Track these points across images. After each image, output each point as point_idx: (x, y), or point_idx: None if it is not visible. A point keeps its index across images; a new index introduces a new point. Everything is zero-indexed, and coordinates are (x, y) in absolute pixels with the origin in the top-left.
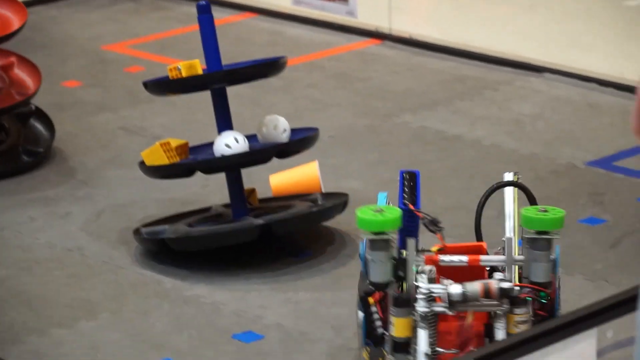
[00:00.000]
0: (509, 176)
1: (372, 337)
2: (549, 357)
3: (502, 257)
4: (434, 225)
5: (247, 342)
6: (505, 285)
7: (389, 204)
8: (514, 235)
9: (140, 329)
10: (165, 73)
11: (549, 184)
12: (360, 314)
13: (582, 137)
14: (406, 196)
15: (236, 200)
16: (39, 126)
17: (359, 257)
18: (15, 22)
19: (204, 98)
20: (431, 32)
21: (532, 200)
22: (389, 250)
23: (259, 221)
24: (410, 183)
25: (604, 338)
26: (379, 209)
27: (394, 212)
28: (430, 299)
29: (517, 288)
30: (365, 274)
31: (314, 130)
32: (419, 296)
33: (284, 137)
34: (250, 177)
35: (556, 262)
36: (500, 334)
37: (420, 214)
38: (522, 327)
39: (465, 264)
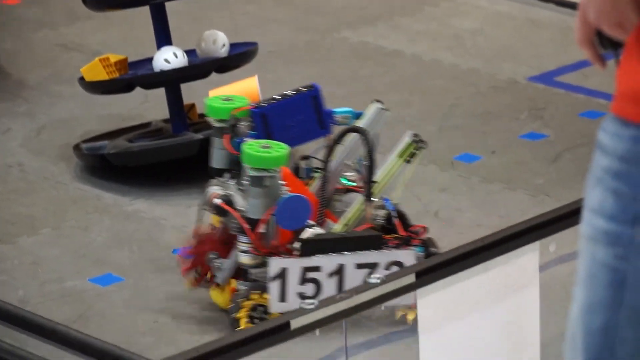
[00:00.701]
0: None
1: None
2: (491, 270)
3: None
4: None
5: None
6: (216, 201)
7: None
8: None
9: (81, 244)
10: None
11: (489, 99)
12: None
13: (522, 53)
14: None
15: (176, 116)
16: None
17: None
18: None
19: (143, 14)
20: None
21: (371, 156)
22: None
23: (199, 136)
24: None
25: (547, 252)
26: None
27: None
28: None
29: (223, 211)
30: None
31: (253, 44)
32: None
33: (223, 51)
34: (190, 92)
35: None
36: (232, 253)
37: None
38: (243, 257)
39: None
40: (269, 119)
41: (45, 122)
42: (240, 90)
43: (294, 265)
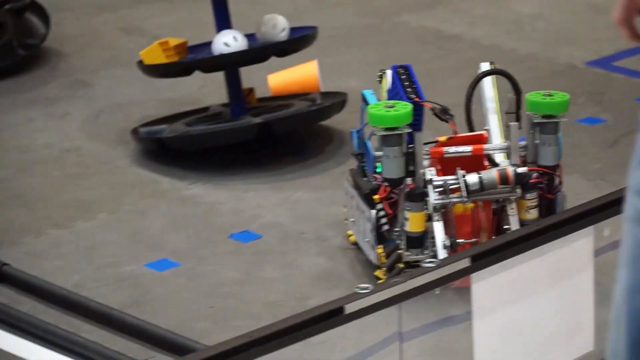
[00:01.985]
0: (485, 65)
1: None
2: (546, 254)
3: (506, 144)
4: (445, 114)
5: (245, 241)
6: (520, 170)
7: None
8: (498, 122)
9: (137, 228)
10: None
11: (548, 83)
12: (372, 212)
13: (581, 37)
14: (410, 89)
15: (235, 99)
16: (34, 19)
17: (354, 155)
18: None
19: None
20: None
21: (517, 88)
22: (402, 145)
23: (258, 120)
24: (407, 77)
25: (602, 237)
26: (391, 104)
27: (406, 107)
28: (446, 190)
29: (532, 173)
30: (360, 171)
31: (313, 28)
32: (432, 189)
33: (283, 35)
34: (249, 76)
35: (561, 145)
36: (513, 220)
37: (430, 105)
38: (533, 212)
39: (469, 153)
40: None
41: (103, 106)
42: (300, 74)
43: None
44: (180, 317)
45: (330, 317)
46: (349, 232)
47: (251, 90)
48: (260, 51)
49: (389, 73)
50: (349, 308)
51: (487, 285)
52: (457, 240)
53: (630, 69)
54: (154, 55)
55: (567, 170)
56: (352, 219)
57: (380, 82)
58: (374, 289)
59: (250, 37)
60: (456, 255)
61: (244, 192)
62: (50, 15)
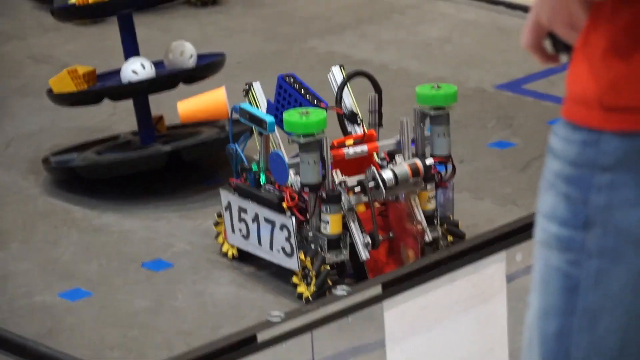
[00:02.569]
0: (336, 69)
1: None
2: (458, 280)
3: (396, 139)
4: (355, 117)
5: (157, 270)
6: (429, 162)
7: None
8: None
9: (49, 258)
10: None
11: (457, 107)
12: (292, 219)
13: (491, 61)
14: (308, 96)
15: (144, 127)
16: None
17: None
18: None
19: (112, 25)
20: None
21: (377, 86)
22: (321, 150)
23: (167, 148)
24: (299, 85)
25: (514, 262)
26: (305, 111)
27: (321, 113)
28: (359, 190)
29: (436, 164)
30: (254, 184)
31: (221, 55)
32: (344, 190)
33: (191, 62)
34: (158, 104)
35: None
36: (418, 212)
37: (340, 110)
38: (432, 202)
39: (365, 153)
40: None
41: (13, 135)
42: (209, 101)
43: None
44: (93, 347)
45: (243, 345)
46: (220, 239)
47: (160, 117)
48: (169, 78)
49: (256, 85)
50: (262, 336)
51: (399, 312)
52: (379, 237)
53: (539, 92)
54: (63, 83)
55: (478, 195)
56: (242, 235)
57: (245, 96)
58: (285, 317)
59: (158, 64)
60: (367, 283)
61: (155, 220)
62: None
